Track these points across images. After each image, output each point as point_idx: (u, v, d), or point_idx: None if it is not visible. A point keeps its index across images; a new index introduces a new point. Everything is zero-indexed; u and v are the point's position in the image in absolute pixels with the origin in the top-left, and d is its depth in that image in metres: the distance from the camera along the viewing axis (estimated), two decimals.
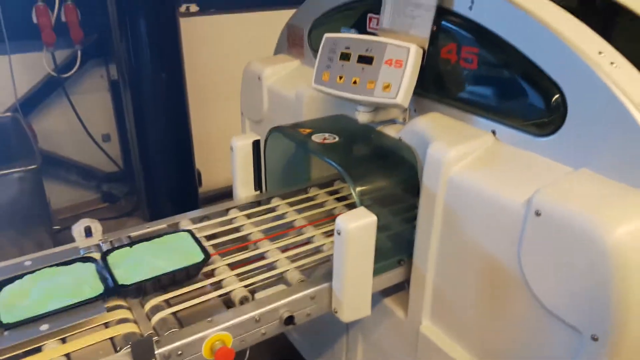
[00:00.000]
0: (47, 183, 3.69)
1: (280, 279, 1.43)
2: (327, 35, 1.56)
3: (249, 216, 1.69)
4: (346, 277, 1.30)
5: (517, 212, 1.14)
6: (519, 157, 1.28)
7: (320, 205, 1.77)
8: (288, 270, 1.43)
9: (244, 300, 1.32)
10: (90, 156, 3.84)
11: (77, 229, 1.51)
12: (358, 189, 1.35)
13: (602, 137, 1.12)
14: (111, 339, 1.19)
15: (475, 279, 1.30)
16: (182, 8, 3.47)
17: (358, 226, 1.25)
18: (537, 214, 1.09)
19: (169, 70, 3.09)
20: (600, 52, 1.15)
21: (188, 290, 1.33)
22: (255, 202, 1.77)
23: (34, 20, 3.19)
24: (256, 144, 1.74)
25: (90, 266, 1.35)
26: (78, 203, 3.96)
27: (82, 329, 1.20)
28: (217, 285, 1.37)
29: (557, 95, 1.19)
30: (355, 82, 1.49)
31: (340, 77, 1.52)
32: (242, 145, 1.73)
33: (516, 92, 1.29)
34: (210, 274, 1.41)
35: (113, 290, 1.27)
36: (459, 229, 1.31)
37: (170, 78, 3.11)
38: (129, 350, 1.13)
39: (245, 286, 1.36)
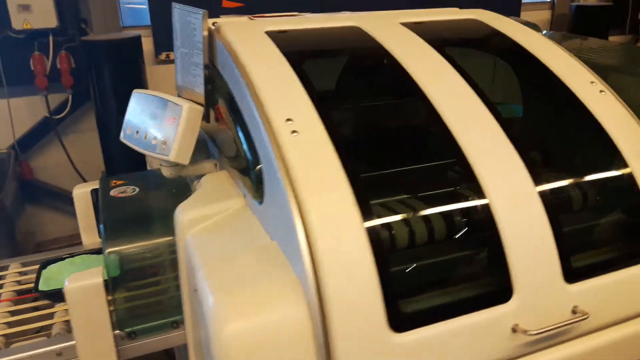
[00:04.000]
0: (46, 214, 4.04)
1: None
2: (135, 90, 1.60)
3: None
4: (77, 336, 1.29)
5: None
6: (246, 222, 1.21)
7: None
8: (55, 322, 1.44)
9: None
10: None
11: None
12: (109, 249, 1.34)
13: (274, 207, 1.03)
14: None
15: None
16: (162, 56, 3.69)
17: (79, 286, 1.25)
18: (195, 289, 1.03)
19: None
20: (288, 120, 1.07)
21: None
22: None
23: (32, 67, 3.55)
24: (96, 192, 1.79)
25: None
26: (77, 233, 4.25)
27: None
28: None
29: (260, 165, 1.12)
30: (146, 137, 1.50)
31: (137, 132, 1.54)
32: (81, 193, 1.79)
33: (246, 156, 1.23)
34: None
35: None
36: (192, 291, 1.25)
37: None
38: None
39: (6, 335, 1.40)
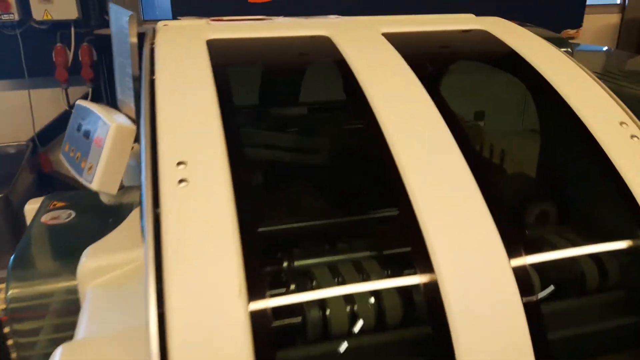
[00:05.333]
0: None
1: None
2: (77, 101, 1.40)
3: None
4: None
5: None
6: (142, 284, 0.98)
7: None
8: None
9: None
10: None
11: None
12: (11, 291, 1.15)
13: None
14: None
15: None
16: None
17: None
18: None
19: None
20: (180, 163, 0.82)
21: None
22: None
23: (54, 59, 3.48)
24: None
25: None
26: None
27: None
28: None
29: None
30: (77, 158, 1.30)
31: (73, 151, 1.34)
32: (32, 209, 1.62)
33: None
34: None
35: None
36: None
37: None
38: None
39: None
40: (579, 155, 1.07)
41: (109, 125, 1.19)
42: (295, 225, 0.91)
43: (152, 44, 1.11)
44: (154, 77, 0.97)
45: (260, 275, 0.73)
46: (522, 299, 0.79)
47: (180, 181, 0.79)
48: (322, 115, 1.13)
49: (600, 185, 1.01)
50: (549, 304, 0.95)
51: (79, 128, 1.33)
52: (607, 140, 0.99)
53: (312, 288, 0.83)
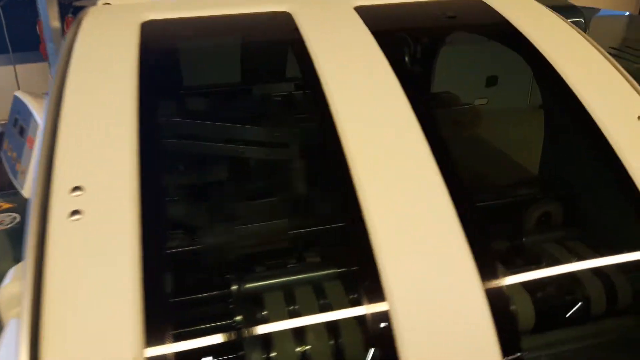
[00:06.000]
0: None
1: None
2: (16, 93, 1.24)
3: None
4: None
5: None
6: None
7: None
8: None
9: None
10: None
11: None
12: None
13: None
14: None
15: None
16: None
17: None
18: None
19: None
20: (75, 189, 0.66)
21: None
22: None
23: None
24: None
25: None
26: None
27: None
28: None
29: None
30: (14, 159, 1.15)
31: (10, 149, 1.19)
32: None
33: None
34: None
35: None
36: None
37: None
38: None
39: None
40: (586, 154, 0.89)
41: (38, 123, 1.03)
42: (228, 244, 0.76)
43: (78, 28, 0.94)
44: (66, 72, 0.81)
45: (165, 335, 0.58)
46: (497, 333, 0.63)
47: (73, 213, 0.63)
48: (272, 107, 0.96)
49: (611, 192, 0.83)
50: (536, 338, 0.79)
51: (15, 123, 1.18)
52: (618, 136, 0.81)
53: (235, 334, 0.68)
